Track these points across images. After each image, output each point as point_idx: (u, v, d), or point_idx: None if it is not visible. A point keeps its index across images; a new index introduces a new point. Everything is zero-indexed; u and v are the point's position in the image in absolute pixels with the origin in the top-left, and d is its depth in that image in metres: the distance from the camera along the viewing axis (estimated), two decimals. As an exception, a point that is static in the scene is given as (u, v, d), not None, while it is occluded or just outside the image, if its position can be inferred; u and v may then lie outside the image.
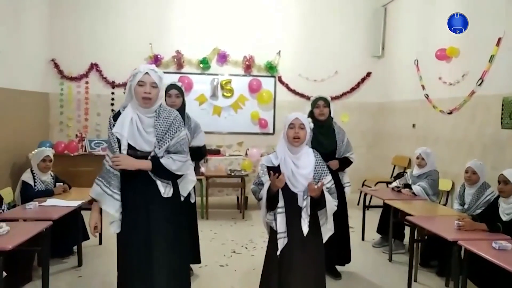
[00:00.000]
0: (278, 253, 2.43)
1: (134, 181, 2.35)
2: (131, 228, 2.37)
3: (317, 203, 2.43)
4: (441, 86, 5.33)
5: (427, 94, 5.68)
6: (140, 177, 2.34)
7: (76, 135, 6.56)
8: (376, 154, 7.13)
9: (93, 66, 6.73)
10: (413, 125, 6.07)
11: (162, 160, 2.31)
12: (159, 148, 2.32)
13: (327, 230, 2.57)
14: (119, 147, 2.31)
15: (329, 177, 2.53)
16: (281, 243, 2.43)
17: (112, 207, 2.34)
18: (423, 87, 5.76)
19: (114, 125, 2.34)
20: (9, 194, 4.08)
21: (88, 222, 2.46)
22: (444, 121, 5.30)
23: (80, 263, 3.86)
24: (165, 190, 2.37)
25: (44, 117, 6.54)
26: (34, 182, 4.02)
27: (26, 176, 4.02)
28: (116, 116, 2.37)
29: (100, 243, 4.41)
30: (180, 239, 2.49)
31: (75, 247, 3.99)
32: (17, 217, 3.29)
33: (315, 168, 2.50)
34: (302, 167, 2.47)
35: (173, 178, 2.41)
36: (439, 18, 5.20)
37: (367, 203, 5.09)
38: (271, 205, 2.46)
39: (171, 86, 3.41)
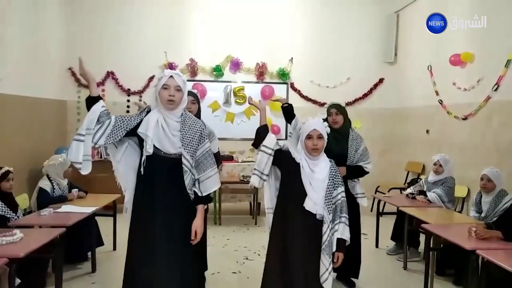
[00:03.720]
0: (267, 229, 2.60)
1: (154, 187, 2.37)
2: (146, 232, 2.38)
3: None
4: (455, 91, 5.27)
5: (441, 100, 5.61)
6: (160, 182, 2.36)
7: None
8: (390, 160, 7.06)
9: (109, 74, 6.83)
10: (427, 131, 6.00)
11: (203, 184, 2.43)
12: (191, 157, 2.36)
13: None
14: (141, 146, 2.37)
15: (341, 188, 2.54)
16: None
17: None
18: (437, 93, 5.70)
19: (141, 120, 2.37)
20: (25, 200, 4.15)
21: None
22: (459, 127, 5.23)
23: (94, 269, 3.89)
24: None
25: (61, 124, 6.65)
26: (53, 188, 4.09)
27: (43, 183, 4.08)
28: (148, 111, 2.41)
29: (114, 248, 4.45)
30: (195, 247, 2.50)
31: (89, 253, 4.02)
32: (32, 223, 3.34)
33: (329, 177, 2.50)
34: (318, 172, 2.49)
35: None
36: (452, 23, 5.14)
37: (380, 210, 5.04)
38: (258, 140, 2.62)
39: (187, 93, 3.44)
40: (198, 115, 3.43)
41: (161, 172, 2.36)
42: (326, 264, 2.46)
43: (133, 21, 6.81)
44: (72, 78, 6.71)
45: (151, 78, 6.72)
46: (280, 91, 7.05)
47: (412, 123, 6.50)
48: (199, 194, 2.43)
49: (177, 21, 6.86)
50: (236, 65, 6.95)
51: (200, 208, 2.44)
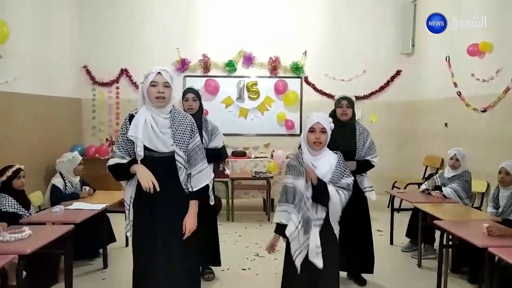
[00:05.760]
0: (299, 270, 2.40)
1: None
2: (148, 230, 2.39)
3: (320, 193, 2.36)
4: (474, 83, 5.08)
5: (459, 92, 5.43)
6: (158, 179, 2.35)
7: (107, 139, 6.74)
8: (407, 155, 6.90)
9: (123, 72, 6.89)
10: (446, 124, 5.82)
11: (195, 177, 2.39)
12: (184, 152, 2.35)
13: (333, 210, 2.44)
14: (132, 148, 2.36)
15: (349, 180, 2.46)
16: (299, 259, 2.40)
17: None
18: (455, 85, 5.51)
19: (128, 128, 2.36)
20: (39, 197, 4.23)
21: (143, 183, 2.28)
22: (478, 120, 5.05)
23: (105, 265, 3.93)
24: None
25: (77, 122, 6.77)
26: (65, 185, 4.16)
27: (56, 180, 4.16)
28: (131, 118, 2.38)
29: (127, 245, 4.48)
30: (194, 241, 2.50)
31: (101, 249, 4.07)
32: (43, 220, 3.38)
33: (335, 168, 2.43)
34: (320, 168, 2.42)
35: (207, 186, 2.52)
36: (471, 12, 4.97)
37: (398, 206, 4.93)
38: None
39: (188, 90, 3.45)
40: (200, 112, 3.42)
41: (157, 173, 2.33)
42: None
43: (146, 18, 6.84)
44: (87, 76, 6.82)
45: (165, 74, 6.74)
46: (294, 85, 6.97)
47: (430, 116, 6.31)
48: (190, 189, 2.41)
49: (189, 17, 6.87)
50: (249, 60, 6.91)
51: (193, 203, 2.42)
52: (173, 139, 2.33)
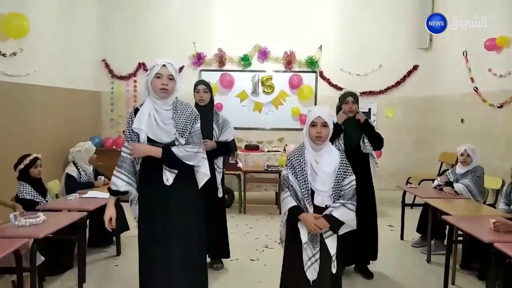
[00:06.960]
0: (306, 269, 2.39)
1: (153, 175, 2.42)
2: (151, 222, 2.45)
3: (336, 227, 2.40)
4: (491, 78, 5.00)
5: (476, 87, 5.34)
6: (159, 171, 2.42)
7: (123, 131, 6.88)
8: (423, 151, 6.82)
9: (141, 66, 7.03)
10: (462, 120, 5.74)
11: (173, 149, 2.37)
12: (185, 139, 2.40)
13: (346, 226, 2.50)
14: (138, 140, 2.42)
15: (352, 177, 2.46)
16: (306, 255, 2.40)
17: (115, 184, 2.43)
18: (472, 80, 5.42)
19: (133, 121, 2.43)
20: (56, 186, 4.37)
21: (104, 217, 2.49)
22: (494, 116, 4.97)
23: (118, 253, 4.06)
24: (168, 178, 2.41)
25: (96, 114, 6.95)
26: (80, 174, 4.30)
27: (70, 169, 4.30)
28: (136, 111, 2.45)
29: (140, 234, 4.59)
30: (199, 232, 2.56)
31: (115, 237, 4.18)
32: (58, 207, 3.51)
33: (339, 168, 2.42)
34: (323, 164, 2.42)
35: (181, 168, 2.42)
36: (488, 6, 4.87)
37: (412, 202, 4.90)
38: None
39: (199, 82, 3.53)
40: (211, 104, 3.48)
41: (160, 164, 2.40)
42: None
43: (163, 12, 6.96)
44: (106, 69, 6.98)
45: (181, 68, 6.83)
46: (308, 80, 6.97)
47: (447, 112, 6.24)
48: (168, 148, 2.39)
49: (205, 12, 6.95)
50: (264, 54, 6.94)
51: (157, 147, 2.37)
52: (176, 128, 2.39)
